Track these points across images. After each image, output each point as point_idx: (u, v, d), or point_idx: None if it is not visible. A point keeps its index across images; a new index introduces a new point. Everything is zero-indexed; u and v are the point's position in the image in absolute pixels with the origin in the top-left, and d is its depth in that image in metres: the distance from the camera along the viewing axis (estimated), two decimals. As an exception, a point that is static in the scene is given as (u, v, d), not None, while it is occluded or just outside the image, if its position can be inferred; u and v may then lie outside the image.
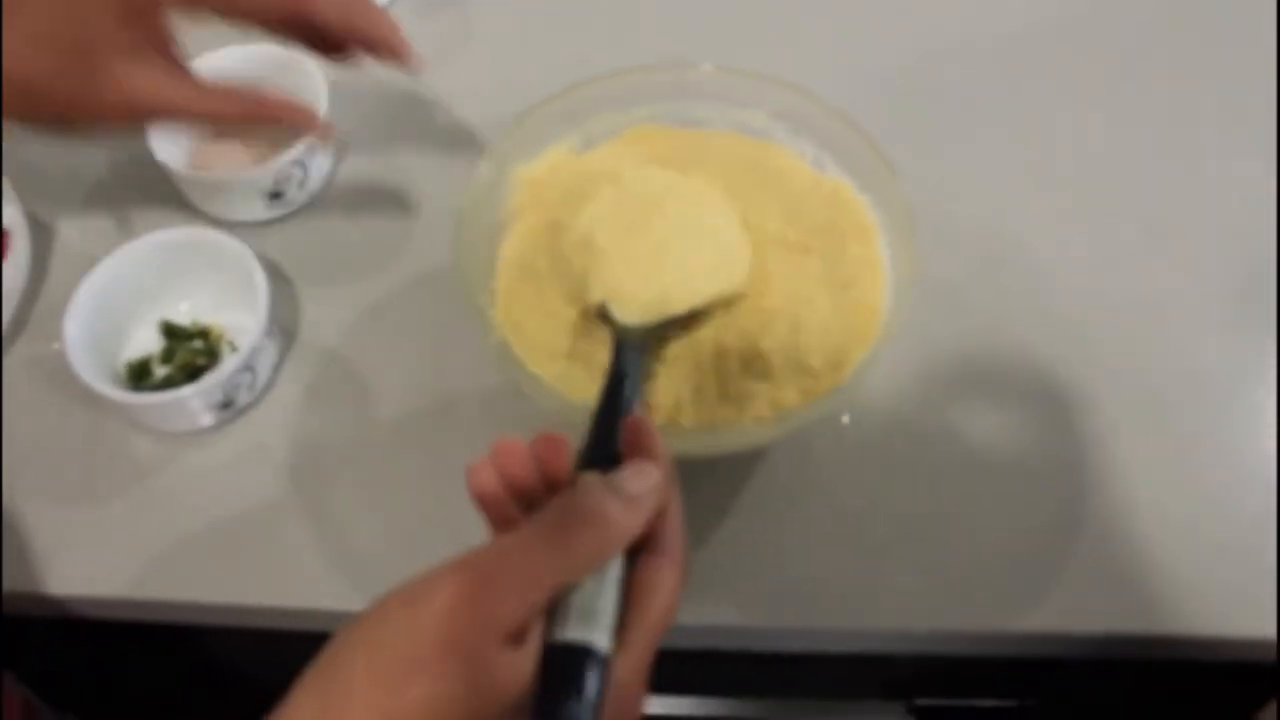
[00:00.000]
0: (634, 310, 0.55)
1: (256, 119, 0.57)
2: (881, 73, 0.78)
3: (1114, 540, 0.60)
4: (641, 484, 0.38)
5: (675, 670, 0.77)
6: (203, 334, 0.66)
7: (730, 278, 0.59)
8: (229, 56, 0.72)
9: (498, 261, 0.61)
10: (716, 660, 0.69)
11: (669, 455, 0.40)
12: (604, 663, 0.33)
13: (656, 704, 0.77)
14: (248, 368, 0.61)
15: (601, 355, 0.58)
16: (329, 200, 0.73)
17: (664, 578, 0.38)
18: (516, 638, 0.34)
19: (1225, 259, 0.70)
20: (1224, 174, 0.73)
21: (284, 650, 0.76)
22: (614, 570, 0.36)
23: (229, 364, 0.60)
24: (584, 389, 0.57)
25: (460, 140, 0.74)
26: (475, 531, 0.60)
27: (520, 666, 0.34)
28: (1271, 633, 0.57)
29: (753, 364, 0.59)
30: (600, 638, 0.33)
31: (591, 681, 0.32)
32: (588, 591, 0.34)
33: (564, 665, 0.32)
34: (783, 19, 0.81)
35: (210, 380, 0.59)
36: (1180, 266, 0.69)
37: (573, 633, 0.33)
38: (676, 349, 0.59)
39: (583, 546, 0.35)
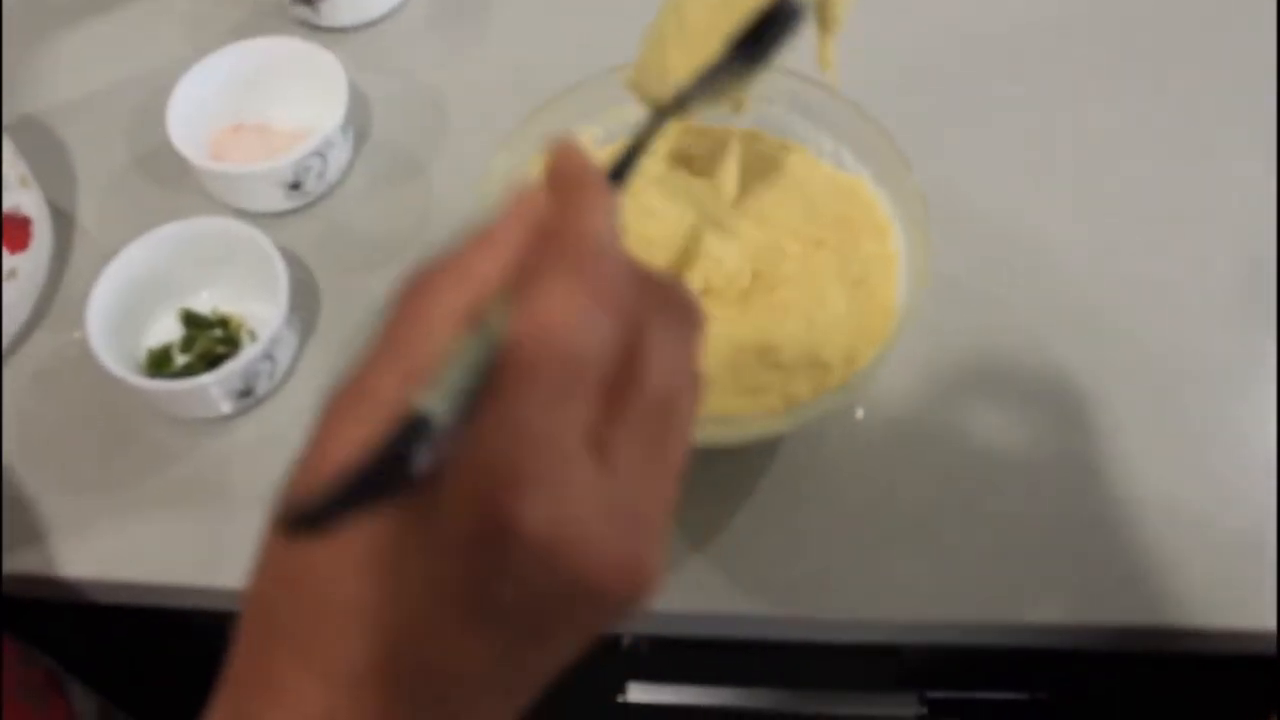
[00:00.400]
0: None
1: None
2: (891, 68, 0.78)
3: (1122, 533, 0.60)
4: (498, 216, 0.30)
5: (686, 659, 0.78)
6: (223, 323, 0.66)
7: None
8: (245, 49, 0.73)
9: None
10: (729, 649, 0.69)
11: (585, 176, 0.30)
12: (427, 427, 0.26)
13: (668, 693, 0.78)
14: (268, 356, 0.62)
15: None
16: (348, 191, 0.73)
17: (544, 290, 0.27)
18: None
19: (1229, 253, 0.70)
20: (1227, 168, 0.73)
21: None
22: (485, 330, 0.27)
23: (249, 352, 0.60)
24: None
25: (479, 132, 0.74)
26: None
27: None
28: (1273, 627, 0.57)
29: (766, 356, 0.60)
30: (431, 400, 0.26)
31: (414, 447, 0.26)
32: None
33: (390, 439, 0.26)
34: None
35: (231, 368, 0.60)
36: (1185, 262, 0.70)
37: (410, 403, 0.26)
38: None
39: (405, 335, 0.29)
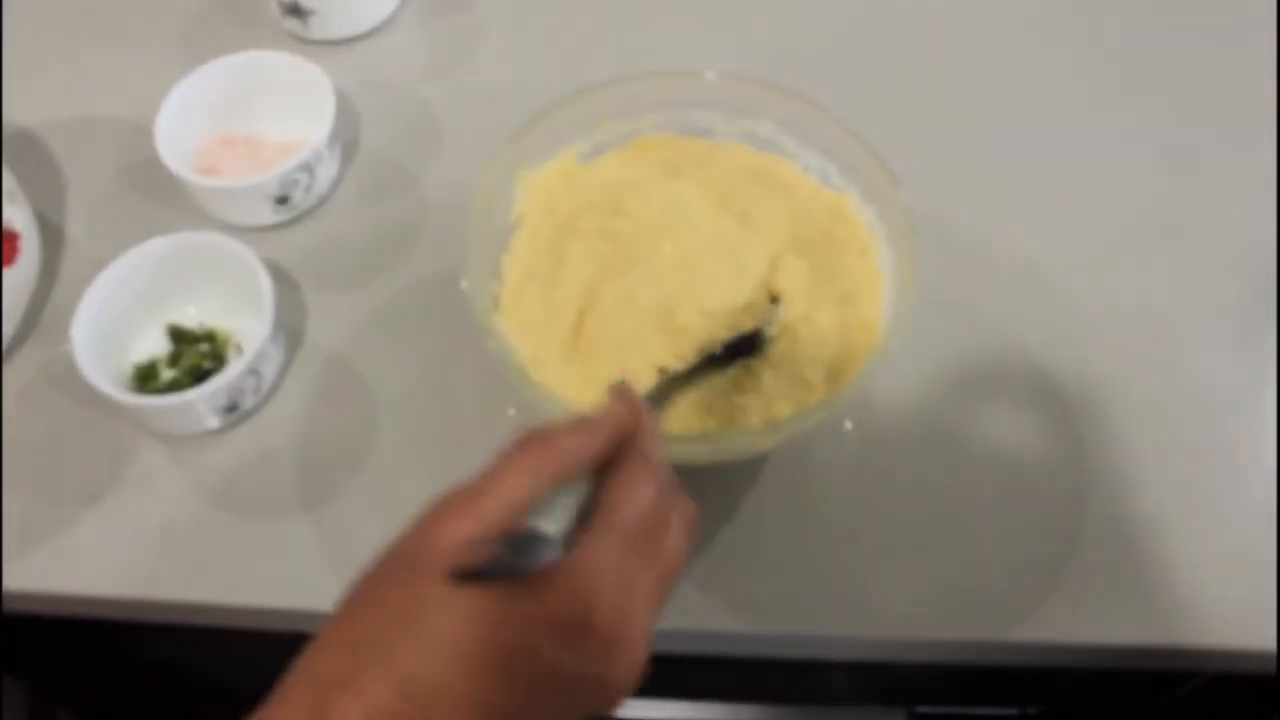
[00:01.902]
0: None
1: None
2: (884, 81, 0.78)
3: (1115, 550, 0.60)
4: (595, 415, 0.44)
5: (678, 675, 0.78)
6: (209, 337, 0.66)
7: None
8: (234, 62, 0.73)
9: (503, 264, 0.62)
10: (718, 666, 0.69)
11: (643, 405, 0.45)
12: (545, 540, 0.40)
13: (660, 709, 0.78)
14: (253, 371, 0.61)
15: (600, 357, 0.59)
16: (336, 205, 0.73)
17: (627, 473, 0.42)
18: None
19: (1226, 267, 0.70)
20: (1225, 181, 0.73)
21: (286, 653, 0.76)
22: (579, 484, 0.43)
23: (235, 368, 0.60)
24: (581, 391, 0.57)
25: (467, 146, 0.74)
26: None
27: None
28: (1272, 645, 0.57)
29: (741, 381, 0.60)
30: (545, 523, 0.41)
31: (534, 550, 0.39)
32: (549, 499, 0.42)
33: (512, 541, 0.39)
34: (791, 31, 0.81)
35: (216, 383, 0.60)
36: (1181, 276, 0.70)
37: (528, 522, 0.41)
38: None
39: (531, 463, 0.41)
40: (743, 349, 0.59)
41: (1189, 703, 0.73)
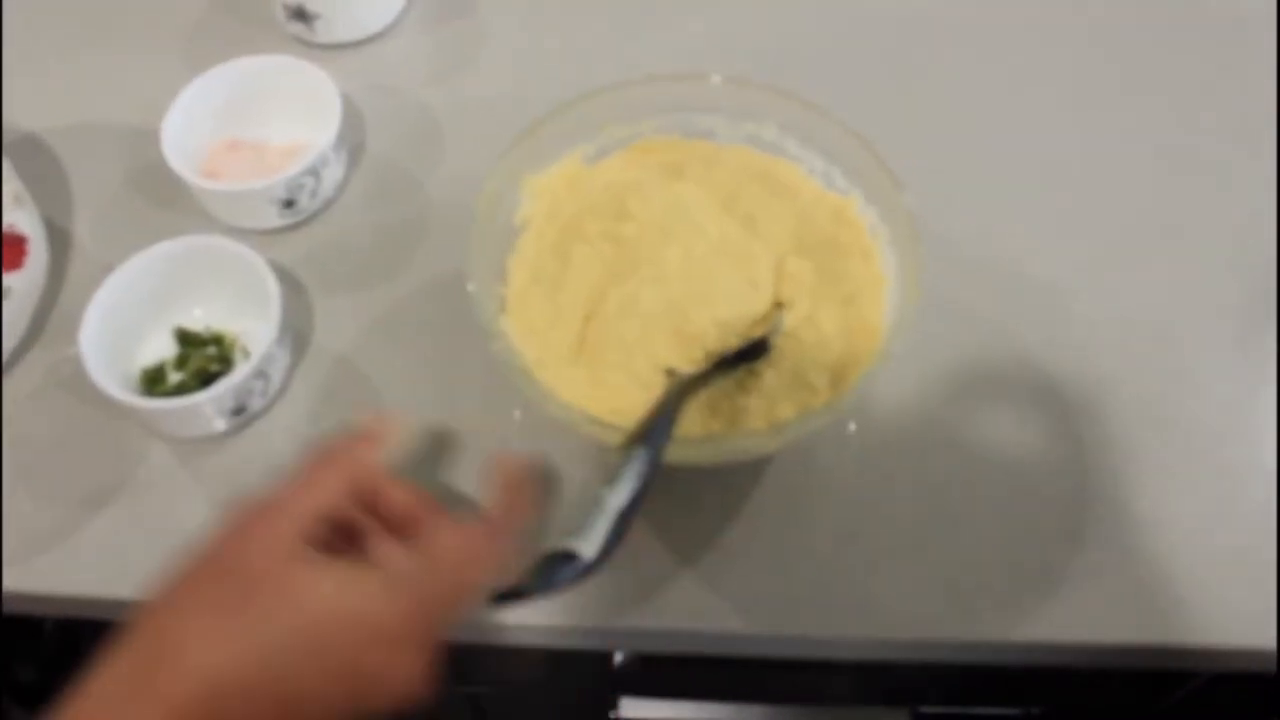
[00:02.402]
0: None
1: None
2: (885, 82, 0.78)
3: (1116, 550, 0.61)
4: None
5: (679, 675, 0.78)
6: (216, 340, 0.66)
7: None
8: (240, 67, 0.73)
9: (509, 267, 0.62)
10: (720, 665, 0.69)
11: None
12: (578, 561, 0.43)
13: (660, 708, 0.78)
14: (261, 374, 0.62)
15: (606, 360, 0.59)
16: (341, 208, 0.74)
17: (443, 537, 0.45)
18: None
19: (1226, 267, 0.70)
20: (1225, 182, 0.74)
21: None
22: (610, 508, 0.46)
23: (241, 370, 0.61)
24: (586, 393, 0.58)
25: (471, 149, 0.75)
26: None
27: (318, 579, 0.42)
28: (1272, 645, 0.58)
29: (745, 381, 0.60)
30: (581, 545, 0.44)
31: (564, 573, 0.43)
32: (586, 519, 0.45)
33: (546, 561, 0.43)
34: (792, 33, 0.82)
35: (223, 386, 0.60)
36: (1181, 276, 0.70)
37: (558, 542, 0.44)
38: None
39: (326, 476, 0.46)
40: (749, 353, 0.60)
41: (1189, 703, 0.73)
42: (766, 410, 0.59)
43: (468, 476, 0.63)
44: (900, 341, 0.57)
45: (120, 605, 0.60)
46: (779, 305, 0.62)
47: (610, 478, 0.47)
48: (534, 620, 0.59)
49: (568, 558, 0.43)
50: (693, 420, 0.58)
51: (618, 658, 0.75)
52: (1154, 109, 0.78)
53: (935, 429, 0.64)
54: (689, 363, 0.60)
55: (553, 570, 0.43)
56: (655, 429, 0.51)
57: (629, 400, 0.58)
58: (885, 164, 0.61)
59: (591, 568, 0.43)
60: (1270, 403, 0.65)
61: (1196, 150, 0.75)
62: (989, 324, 0.68)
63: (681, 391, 0.55)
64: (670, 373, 0.59)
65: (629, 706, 0.76)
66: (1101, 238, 0.72)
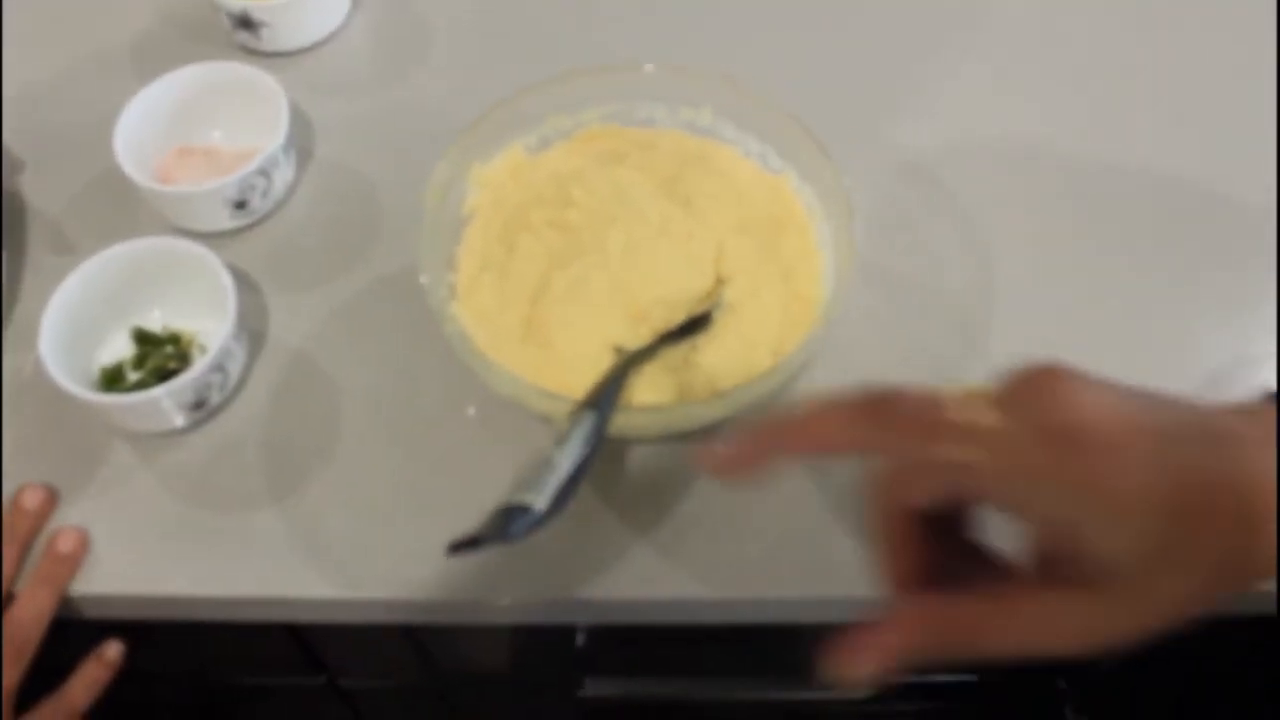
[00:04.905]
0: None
1: None
2: (816, 64, 0.81)
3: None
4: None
5: (642, 652, 0.80)
6: (174, 340, 0.68)
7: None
8: (189, 74, 0.74)
9: (458, 256, 0.64)
10: (682, 640, 0.71)
11: None
12: (531, 513, 0.46)
13: (625, 685, 0.80)
14: (219, 368, 0.63)
15: (556, 340, 0.61)
16: (292, 209, 0.75)
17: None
18: None
19: (1226, 268, 0.72)
20: (1225, 181, 0.76)
21: (257, 649, 0.78)
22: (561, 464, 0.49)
23: (200, 365, 0.62)
24: (538, 371, 0.60)
25: (418, 147, 0.76)
26: (440, 518, 0.62)
27: None
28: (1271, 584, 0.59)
29: (690, 356, 0.62)
30: (533, 498, 0.46)
31: (518, 524, 0.46)
32: (538, 477, 0.47)
33: (503, 511, 0.45)
34: (734, 18, 0.84)
35: (182, 381, 0.61)
36: (1181, 277, 0.72)
37: (512, 496, 0.46)
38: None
39: None
40: (692, 326, 0.62)
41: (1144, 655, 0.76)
42: (711, 383, 0.61)
43: (429, 468, 0.64)
44: (837, 310, 0.59)
45: (88, 602, 0.62)
46: (720, 282, 0.64)
47: (560, 440, 0.50)
48: (496, 599, 0.60)
49: (521, 510, 0.45)
50: (642, 394, 0.60)
51: (580, 640, 0.77)
52: (1144, 101, 0.79)
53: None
54: (636, 340, 0.62)
55: (507, 521, 0.45)
56: (603, 396, 0.54)
57: (578, 377, 0.60)
58: (817, 139, 0.63)
59: (542, 520, 0.46)
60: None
61: (1199, 163, 0.76)
62: (932, 299, 0.70)
63: (628, 362, 0.57)
64: (618, 350, 0.61)
65: (594, 685, 0.78)
66: (1056, 210, 0.74)
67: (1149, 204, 0.74)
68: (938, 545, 0.39)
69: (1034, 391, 0.36)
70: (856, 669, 0.37)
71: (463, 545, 0.44)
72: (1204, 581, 0.35)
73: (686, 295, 0.63)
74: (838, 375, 0.66)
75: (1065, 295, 0.70)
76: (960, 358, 0.68)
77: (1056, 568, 0.36)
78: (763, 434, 0.40)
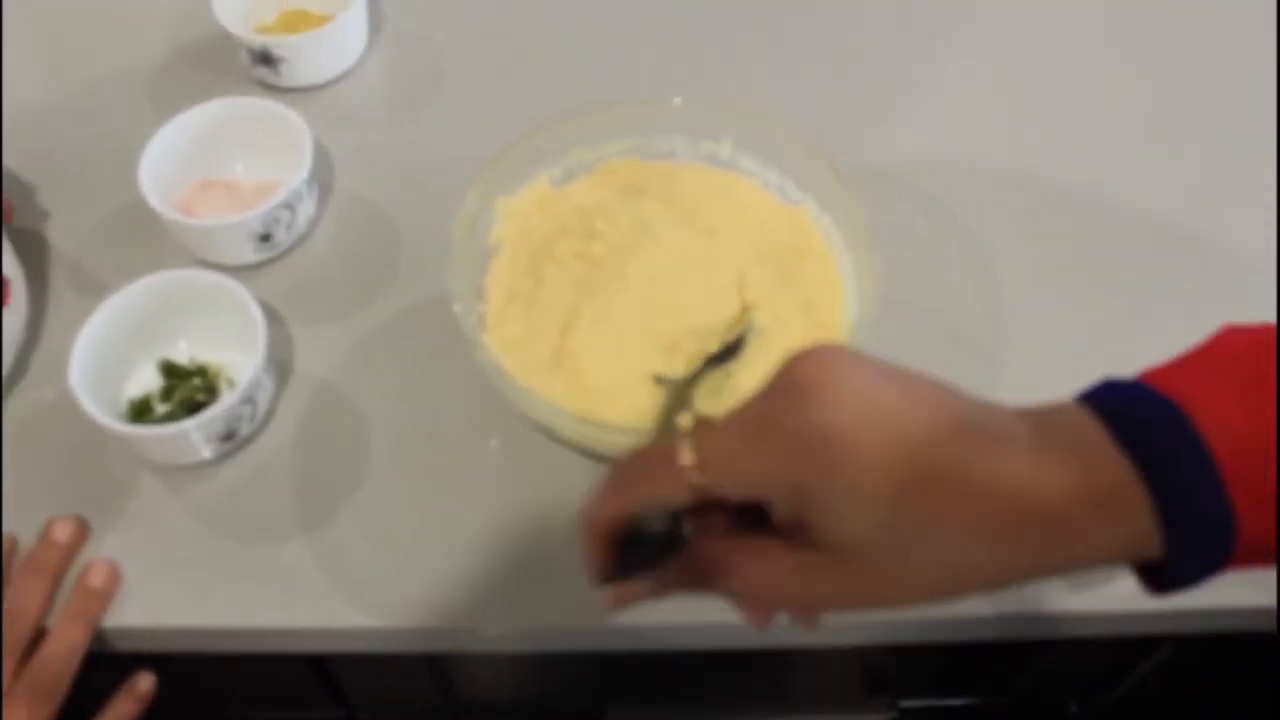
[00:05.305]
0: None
1: None
2: (833, 94, 0.83)
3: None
4: None
5: (663, 680, 0.80)
6: (201, 372, 0.68)
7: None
8: (213, 109, 0.75)
9: (486, 286, 0.65)
10: (701, 669, 0.71)
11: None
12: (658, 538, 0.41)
13: (649, 714, 0.80)
14: (249, 400, 0.64)
15: (586, 370, 0.62)
16: (314, 243, 0.76)
17: None
18: None
19: (1226, 269, 0.74)
20: (1226, 183, 0.78)
21: (275, 682, 0.77)
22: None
23: (231, 396, 0.62)
24: (569, 398, 0.60)
25: (435, 180, 0.78)
26: (470, 546, 0.63)
27: None
28: (1272, 601, 0.60)
29: (721, 386, 0.63)
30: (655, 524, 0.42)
31: (656, 551, 0.42)
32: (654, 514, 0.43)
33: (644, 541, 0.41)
34: (747, 48, 0.86)
35: (213, 412, 0.62)
36: (1180, 278, 0.73)
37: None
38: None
39: None
40: (730, 351, 0.63)
41: (1156, 675, 0.77)
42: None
43: (454, 498, 0.65)
44: (861, 339, 0.60)
45: (118, 635, 0.62)
46: (747, 309, 0.65)
47: None
48: (516, 629, 0.61)
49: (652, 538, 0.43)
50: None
51: (603, 666, 0.77)
52: (1150, 121, 0.82)
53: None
54: (670, 368, 0.63)
55: (652, 551, 0.43)
56: (669, 419, 0.54)
57: (608, 406, 0.61)
58: (838, 172, 0.64)
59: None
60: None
61: (1196, 152, 0.79)
62: (946, 327, 0.71)
63: (683, 387, 0.59)
64: (658, 378, 0.62)
65: (617, 713, 0.78)
66: (1061, 244, 0.75)
67: (1154, 223, 0.76)
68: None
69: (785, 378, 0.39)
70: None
71: (618, 575, 0.43)
72: (962, 566, 0.37)
73: (715, 323, 0.64)
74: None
75: (1072, 309, 0.72)
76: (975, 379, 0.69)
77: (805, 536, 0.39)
78: (590, 560, 0.43)
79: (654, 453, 0.41)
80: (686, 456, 0.39)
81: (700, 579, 0.42)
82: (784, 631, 0.61)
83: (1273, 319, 0.69)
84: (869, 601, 0.39)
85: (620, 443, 0.57)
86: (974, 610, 0.61)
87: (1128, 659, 0.78)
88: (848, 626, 0.62)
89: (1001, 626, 0.62)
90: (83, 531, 0.63)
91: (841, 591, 0.39)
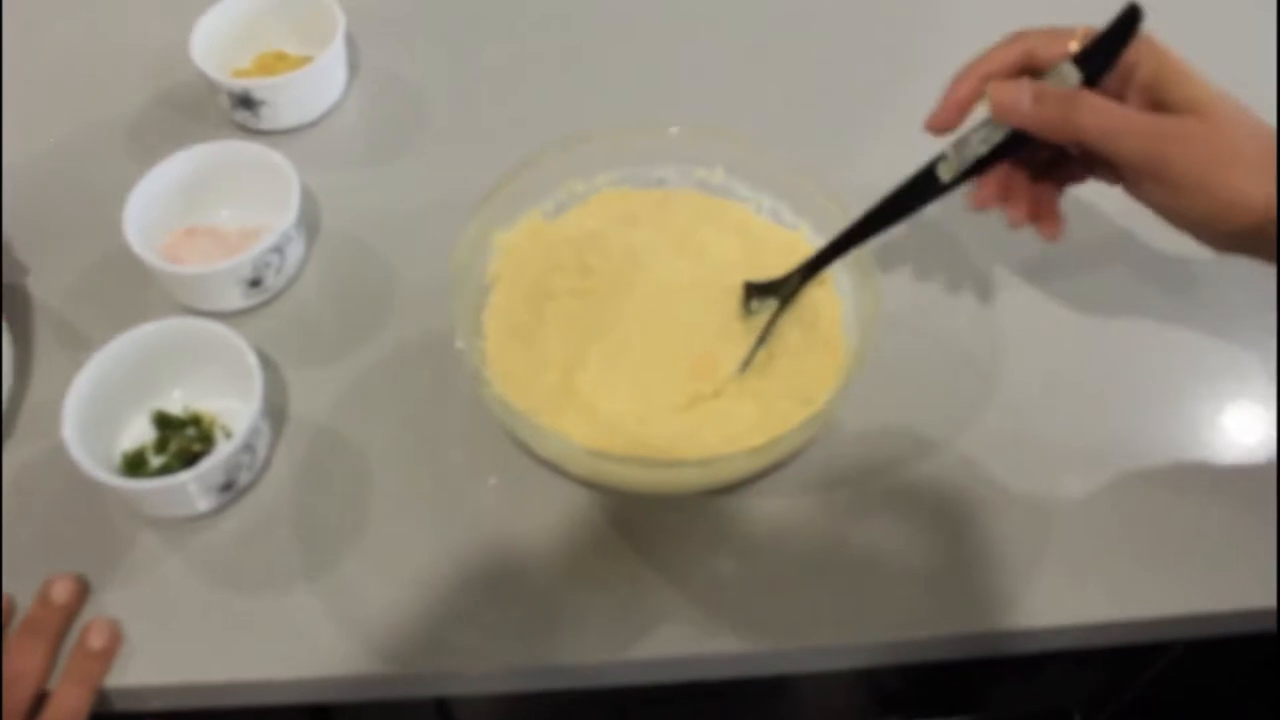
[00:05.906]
0: None
1: None
2: (827, 120, 0.83)
3: (1086, 532, 0.64)
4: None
5: (671, 714, 0.79)
6: (195, 421, 0.67)
7: None
8: (196, 154, 0.74)
9: (484, 321, 0.64)
10: (714, 697, 0.71)
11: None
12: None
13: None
14: (248, 448, 0.62)
15: (597, 403, 0.62)
16: (303, 286, 0.75)
17: None
18: None
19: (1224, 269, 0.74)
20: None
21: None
22: None
23: (229, 445, 0.61)
24: (575, 430, 0.60)
25: (422, 216, 0.77)
26: (474, 586, 0.62)
27: None
28: (1272, 602, 0.61)
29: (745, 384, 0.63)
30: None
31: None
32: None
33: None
34: (732, 73, 0.86)
35: (212, 463, 0.61)
36: (1180, 279, 0.74)
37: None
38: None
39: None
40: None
41: (1162, 681, 0.77)
42: (734, 438, 0.61)
43: (458, 538, 0.64)
44: (864, 359, 0.60)
45: (120, 695, 0.60)
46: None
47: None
48: (531, 664, 0.60)
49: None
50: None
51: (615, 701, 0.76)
52: None
53: (899, 443, 0.67)
54: (681, 393, 0.62)
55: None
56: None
57: (617, 438, 0.60)
58: (833, 195, 0.64)
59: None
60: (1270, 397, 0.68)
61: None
62: (947, 347, 0.71)
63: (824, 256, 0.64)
64: (750, 284, 0.66)
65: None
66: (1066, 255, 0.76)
67: (1151, 237, 0.76)
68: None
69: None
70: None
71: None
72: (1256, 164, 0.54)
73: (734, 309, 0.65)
74: (852, 413, 0.67)
75: (1071, 327, 0.72)
76: (971, 397, 0.69)
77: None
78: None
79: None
80: (1074, 44, 0.56)
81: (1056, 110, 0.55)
82: (790, 659, 0.62)
83: (1272, 325, 0.70)
84: (1194, 159, 0.54)
85: (635, 475, 0.57)
86: (978, 628, 0.61)
87: (1129, 671, 0.79)
88: (855, 649, 0.62)
89: (1000, 643, 0.62)
90: (82, 590, 0.61)
91: (1181, 137, 0.54)
